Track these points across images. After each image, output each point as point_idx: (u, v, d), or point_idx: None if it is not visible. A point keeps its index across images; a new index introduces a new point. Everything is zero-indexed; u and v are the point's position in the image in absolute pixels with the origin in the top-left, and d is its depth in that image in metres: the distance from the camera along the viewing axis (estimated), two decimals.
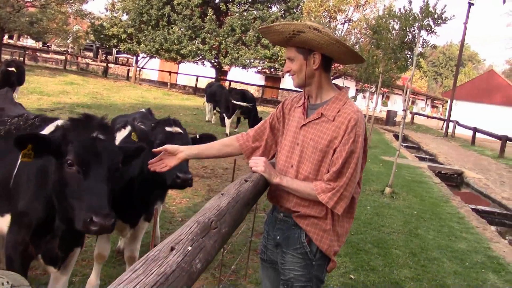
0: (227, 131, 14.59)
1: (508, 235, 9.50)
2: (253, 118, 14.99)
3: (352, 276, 5.04)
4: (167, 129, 3.49)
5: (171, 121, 3.56)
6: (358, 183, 2.54)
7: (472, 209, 9.65)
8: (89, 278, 4.04)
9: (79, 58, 47.04)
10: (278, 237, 2.64)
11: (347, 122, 2.40)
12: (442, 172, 14.72)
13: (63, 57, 40.80)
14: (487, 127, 26.93)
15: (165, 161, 2.67)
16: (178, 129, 3.51)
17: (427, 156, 19.01)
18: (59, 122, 2.98)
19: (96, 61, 47.71)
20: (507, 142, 21.42)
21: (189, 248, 1.32)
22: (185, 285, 1.21)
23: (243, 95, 15.18)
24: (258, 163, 2.53)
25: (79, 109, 14.62)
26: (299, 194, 2.50)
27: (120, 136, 3.79)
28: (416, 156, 18.14)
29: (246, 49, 29.10)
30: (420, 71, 23.67)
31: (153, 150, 2.71)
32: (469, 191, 13.14)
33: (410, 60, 12.72)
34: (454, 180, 14.48)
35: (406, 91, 9.82)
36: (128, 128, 3.81)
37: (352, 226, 6.59)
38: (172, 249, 1.29)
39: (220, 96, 16.16)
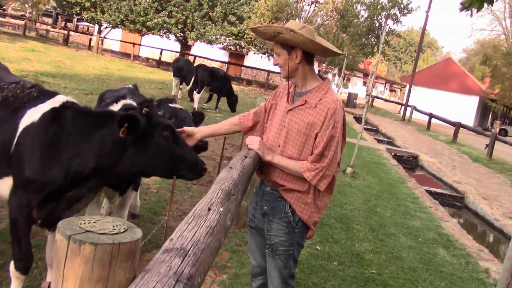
0: (195, 106, 14.80)
1: (457, 215, 10.23)
2: (229, 97, 15.27)
3: (318, 248, 5.48)
4: (171, 105, 3.80)
5: (170, 100, 3.88)
6: (338, 163, 2.93)
7: (426, 190, 10.31)
8: None
9: (37, 24, 45.62)
10: (265, 207, 3.00)
11: (327, 109, 2.76)
12: (399, 154, 15.45)
13: (20, 22, 39.51)
14: (443, 113, 28.09)
15: (188, 132, 3.08)
16: (179, 106, 3.83)
17: (385, 139, 19.78)
18: (61, 98, 3.16)
19: (56, 28, 46.42)
20: (460, 128, 22.48)
21: (221, 209, 1.66)
22: (223, 236, 1.56)
23: (213, 73, 15.37)
24: (253, 141, 2.88)
25: (44, 78, 14.49)
26: (287, 171, 2.86)
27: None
28: (375, 138, 18.87)
29: (213, 25, 29.09)
30: (384, 59, 24.40)
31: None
32: (423, 174, 13.91)
33: (376, 46, 13.23)
34: (410, 162, 15.24)
35: (371, 76, 10.29)
36: (121, 103, 4.01)
37: (325, 209, 7.07)
38: (209, 209, 1.62)
39: (188, 71, 16.27)
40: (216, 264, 4.56)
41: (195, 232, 1.40)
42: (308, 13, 29.65)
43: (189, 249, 1.27)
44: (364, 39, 13.05)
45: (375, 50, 13.53)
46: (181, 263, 1.18)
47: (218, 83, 15.29)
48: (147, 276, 1.08)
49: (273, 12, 27.27)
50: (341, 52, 3.04)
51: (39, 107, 3.04)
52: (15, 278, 3.14)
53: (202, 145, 3.67)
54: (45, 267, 3.79)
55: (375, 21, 12.26)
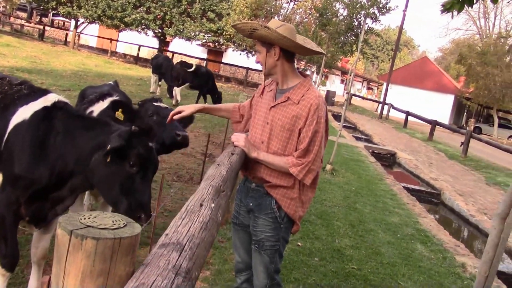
0: (174, 102, 14.77)
1: (434, 211, 10.42)
2: (213, 95, 15.25)
3: (299, 244, 5.54)
4: (155, 103, 3.82)
5: (156, 100, 3.93)
6: (321, 159, 2.98)
7: (404, 187, 10.48)
8: None
9: (12, 19, 44.78)
10: (251, 204, 3.03)
11: (310, 105, 2.81)
12: (377, 152, 15.64)
13: None
14: (419, 111, 28.52)
15: (182, 107, 3.09)
16: (164, 105, 3.85)
17: (363, 136, 20.00)
18: (53, 97, 3.14)
19: (31, 23, 45.63)
20: (436, 126, 22.85)
21: (213, 205, 1.69)
22: (216, 231, 1.59)
23: (195, 70, 15.34)
24: (239, 138, 2.91)
25: (19, 74, 14.26)
26: (273, 167, 2.89)
27: (98, 108, 3.98)
28: (353, 136, 19.05)
29: (192, 21, 28.98)
30: (363, 57, 24.63)
31: (168, 120, 3.11)
32: (400, 171, 14.11)
33: (355, 45, 13.36)
34: (388, 160, 15.44)
35: (351, 74, 10.39)
36: (107, 101, 4.02)
37: (309, 204, 7.14)
38: (201, 205, 1.64)
39: (167, 68, 16.20)
40: None
41: (189, 228, 1.42)
42: (287, 10, 29.74)
43: (185, 244, 1.30)
44: (343, 38, 13.18)
45: (354, 49, 13.65)
46: (178, 257, 1.21)
47: (199, 80, 15.25)
48: (147, 270, 1.11)
49: (252, 9, 27.29)
50: (321, 51, 3.08)
51: (30, 105, 3.03)
52: (1, 275, 3.12)
53: (182, 140, 3.71)
54: (27, 265, 3.77)
55: (354, 19, 12.39)
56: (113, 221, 1.17)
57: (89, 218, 1.15)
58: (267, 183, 2.95)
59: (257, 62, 2.99)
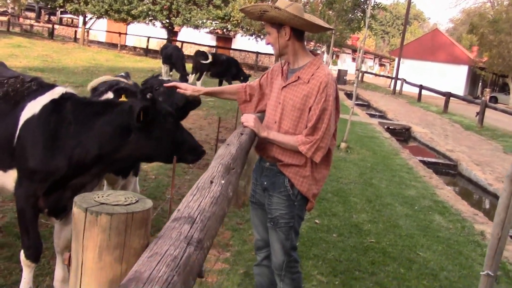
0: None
1: (451, 182, 10.40)
2: (240, 81, 15.34)
3: (317, 221, 5.60)
4: (159, 77, 3.98)
5: (158, 75, 4.09)
6: (333, 136, 3.02)
7: (420, 160, 10.46)
8: None
9: (21, 19, 45.12)
10: (265, 183, 3.09)
11: (319, 84, 2.84)
12: (391, 127, 15.58)
13: (3, 18, 39.06)
14: (433, 84, 28.23)
15: (185, 86, 3.24)
16: (167, 78, 4.01)
17: (377, 113, 19.90)
18: (60, 89, 3.22)
19: (40, 22, 45.94)
20: (451, 98, 22.62)
21: (223, 181, 1.74)
22: (227, 206, 1.65)
23: (213, 58, 15.45)
24: (248, 119, 2.95)
25: (32, 73, 14.42)
26: (283, 146, 2.94)
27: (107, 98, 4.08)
28: (367, 113, 18.98)
29: (198, 9, 28.91)
30: (372, 32, 24.44)
31: (165, 85, 3.27)
32: (416, 145, 14.06)
33: (362, 21, 13.25)
34: (403, 134, 15.38)
35: (360, 51, 10.35)
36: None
37: (324, 181, 7.18)
38: (211, 182, 1.70)
39: (177, 58, 16.26)
40: (219, 243, 4.68)
41: (200, 203, 1.48)
42: None
43: (196, 217, 1.36)
44: (350, 15, 13.08)
45: (361, 25, 13.55)
46: (190, 229, 1.27)
47: (216, 68, 15.30)
48: (160, 241, 1.17)
49: None
50: (330, 27, 3.11)
51: (38, 100, 3.11)
52: (26, 266, 3.22)
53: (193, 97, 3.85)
54: (52, 256, 3.88)
55: None
56: (125, 198, 1.23)
57: (102, 196, 1.22)
58: (280, 162, 2.99)
59: (268, 44, 3.00)
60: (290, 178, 2.97)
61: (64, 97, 3.13)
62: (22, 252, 3.21)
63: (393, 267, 4.64)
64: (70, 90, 3.25)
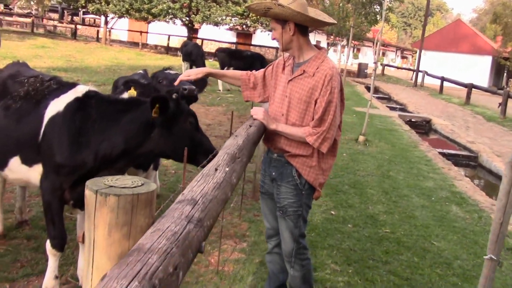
0: (220, 88, 15.52)
1: (471, 174, 10.35)
2: None
3: (332, 212, 5.70)
4: (166, 71, 4.16)
5: (167, 68, 4.29)
6: (339, 127, 3.12)
7: (439, 152, 10.43)
8: None
9: (45, 20, 45.99)
10: (273, 173, 3.21)
11: (324, 77, 2.95)
12: (412, 120, 15.52)
13: (27, 20, 39.90)
14: (456, 76, 27.89)
15: (190, 71, 3.32)
16: (174, 71, 4.20)
17: (398, 106, 19.80)
18: (82, 88, 3.39)
19: (63, 23, 46.77)
20: (473, 89, 22.35)
21: (227, 169, 1.87)
22: (229, 191, 1.77)
23: (233, 53, 15.75)
24: (258, 112, 3.08)
25: (56, 73, 14.76)
26: (291, 137, 3.06)
27: (126, 96, 4.25)
28: (387, 106, 18.90)
29: (217, 6, 29.07)
30: (388, 24, 24.26)
31: (175, 83, 3.38)
32: (436, 137, 13.99)
33: (379, 14, 13.23)
34: (423, 127, 15.31)
35: (376, 44, 10.36)
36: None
37: (330, 171, 7.28)
38: (216, 169, 1.83)
39: (197, 55, 16.44)
40: (236, 234, 4.82)
41: (204, 187, 1.61)
42: None
43: (198, 199, 1.49)
44: (367, 8, 13.07)
45: (378, 18, 13.52)
46: (191, 210, 1.40)
47: (238, 63, 15.51)
48: (163, 220, 1.30)
49: None
50: (332, 21, 3.20)
51: (61, 98, 3.28)
52: (52, 255, 3.40)
53: (188, 92, 3.97)
54: (76, 247, 4.07)
55: None
56: (132, 182, 1.37)
57: (111, 180, 1.35)
58: (287, 152, 3.11)
59: (273, 39, 3.13)
60: (298, 168, 3.09)
61: (89, 95, 3.30)
62: (48, 242, 3.39)
63: (407, 256, 4.72)
64: (93, 88, 3.41)
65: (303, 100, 3.00)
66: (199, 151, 3.19)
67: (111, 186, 1.30)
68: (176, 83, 3.35)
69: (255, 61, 15.69)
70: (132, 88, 4.03)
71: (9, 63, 4.49)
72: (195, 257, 1.33)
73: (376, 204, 6.20)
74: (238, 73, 3.48)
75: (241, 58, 15.69)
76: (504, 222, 2.56)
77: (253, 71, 3.45)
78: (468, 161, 10.98)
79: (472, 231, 5.59)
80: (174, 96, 3.07)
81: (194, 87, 3.87)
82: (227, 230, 4.85)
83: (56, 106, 3.25)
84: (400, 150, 9.90)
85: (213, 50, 34.94)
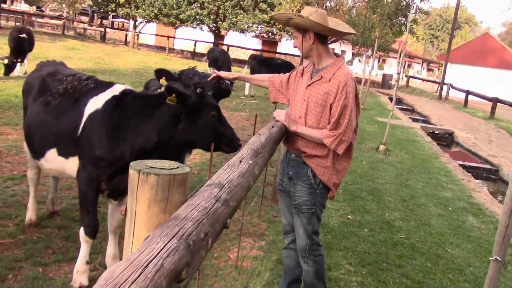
0: (246, 93, 16.07)
1: (491, 187, 10.37)
2: None
3: (349, 217, 5.86)
4: (195, 69, 4.45)
5: (193, 67, 4.58)
6: (355, 131, 3.31)
7: (460, 164, 10.48)
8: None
9: (75, 23, 47.07)
10: (290, 172, 3.43)
11: (339, 83, 3.16)
12: (434, 132, 15.53)
13: (58, 22, 40.93)
14: (482, 90, 27.67)
15: (219, 73, 3.72)
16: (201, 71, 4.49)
17: (421, 118, 19.79)
18: (119, 86, 3.64)
19: (93, 26, 47.81)
20: (498, 104, 22.19)
21: (251, 161, 2.08)
22: (252, 180, 1.98)
23: (263, 61, 16.17)
24: (280, 114, 3.30)
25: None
26: (310, 139, 3.26)
27: None
28: (410, 117, 18.92)
29: (244, 13, 29.47)
30: (413, 36, 24.22)
31: (209, 79, 3.71)
32: (458, 150, 13.99)
33: (404, 25, 13.34)
34: (445, 139, 15.31)
35: (400, 56, 10.48)
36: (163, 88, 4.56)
37: (349, 178, 7.48)
38: (240, 161, 2.04)
39: (223, 61, 16.75)
40: (255, 233, 5.02)
41: (229, 175, 1.82)
42: None
43: (225, 184, 1.70)
44: (393, 19, 13.19)
45: (403, 29, 13.63)
46: (219, 191, 1.61)
47: (268, 71, 15.81)
48: (195, 198, 1.52)
49: None
50: (352, 31, 3.40)
51: (100, 96, 3.54)
52: (85, 242, 3.64)
53: (226, 86, 4.27)
54: (104, 238, 4.31)
55: (403, 0, 12.39)
56: (169, 165, 1.59)
57: (151, 163, 1.57)
58: (304, 153, 3.33)
59: (295, 47, 3.37)
60: (313, 168, 3.30)
61: (125, 93, 3.55)
62: (81, 229, 3.63)
63: (420, 261, 4.85)
64: (128, 86, 3.66)
65: (319, 104, 3.21)
66: (222, 142, 3.39)
67: (152, 167, 1.52)
68: (209, 79, 3.62)
69: (282, 69, 15.96)
70: (163, 78, 4.29)
71: (45, 61, 4.78)
72: (221, 231, 1.53)
73: (392, 211, 6.33)
74: (266, 76, 3.74)
75: (270, 65, 16.04)
76: (510, 225, 2.71)
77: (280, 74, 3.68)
78: (489, 174, 10.99)
79: (487, 241, 5.69)
80: (198, 90, 3.28)
81: (228, 82, 4.15)
82: (246, 229, 5.05)
83: (96, 103, 3.50)
84: (420, 161, 9.99)
85: (238, 57, 35.43)
